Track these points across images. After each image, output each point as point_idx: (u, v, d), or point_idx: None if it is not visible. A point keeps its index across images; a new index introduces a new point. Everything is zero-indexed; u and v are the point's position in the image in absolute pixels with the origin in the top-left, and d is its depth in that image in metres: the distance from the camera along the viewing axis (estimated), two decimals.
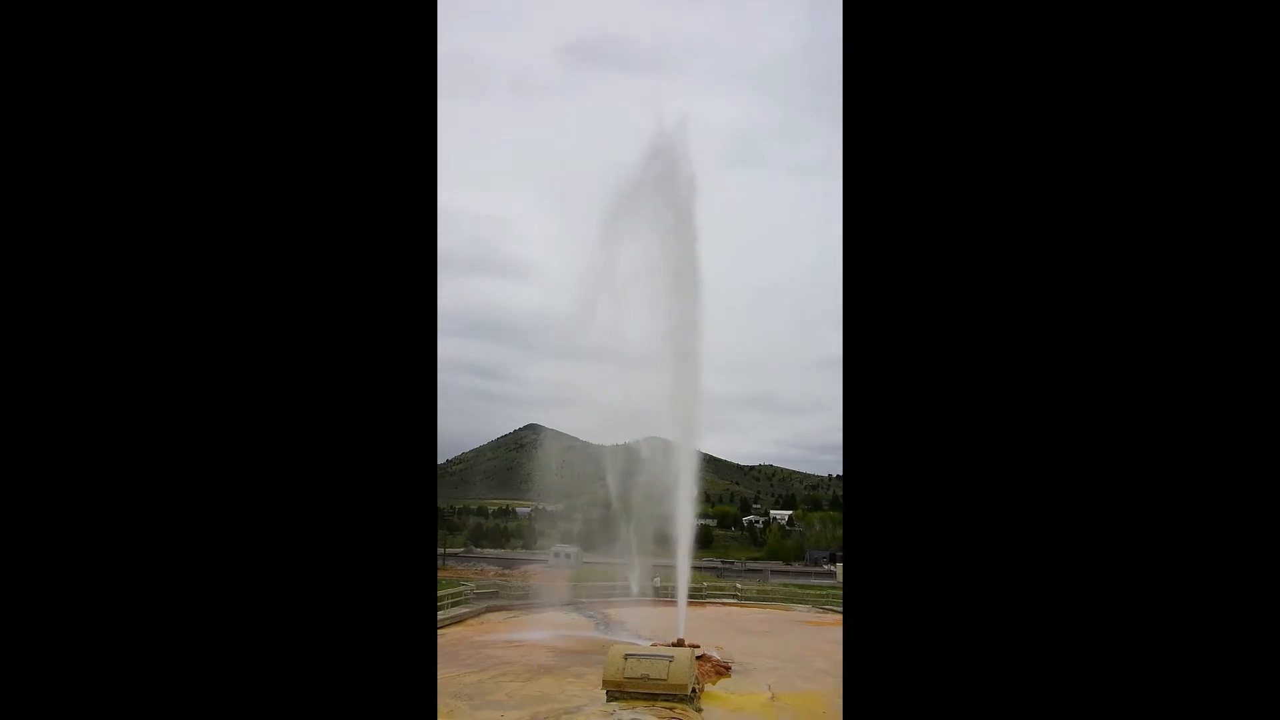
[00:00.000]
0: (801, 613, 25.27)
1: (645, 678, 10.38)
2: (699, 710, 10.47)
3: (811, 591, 31.21)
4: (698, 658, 12.75)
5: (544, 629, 19.34)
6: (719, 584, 33.19)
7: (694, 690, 10.86)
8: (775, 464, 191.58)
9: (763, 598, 28.76)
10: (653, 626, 18.96)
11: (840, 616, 23.74)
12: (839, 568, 53.35)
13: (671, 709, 9.72)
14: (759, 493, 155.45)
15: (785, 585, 36.41)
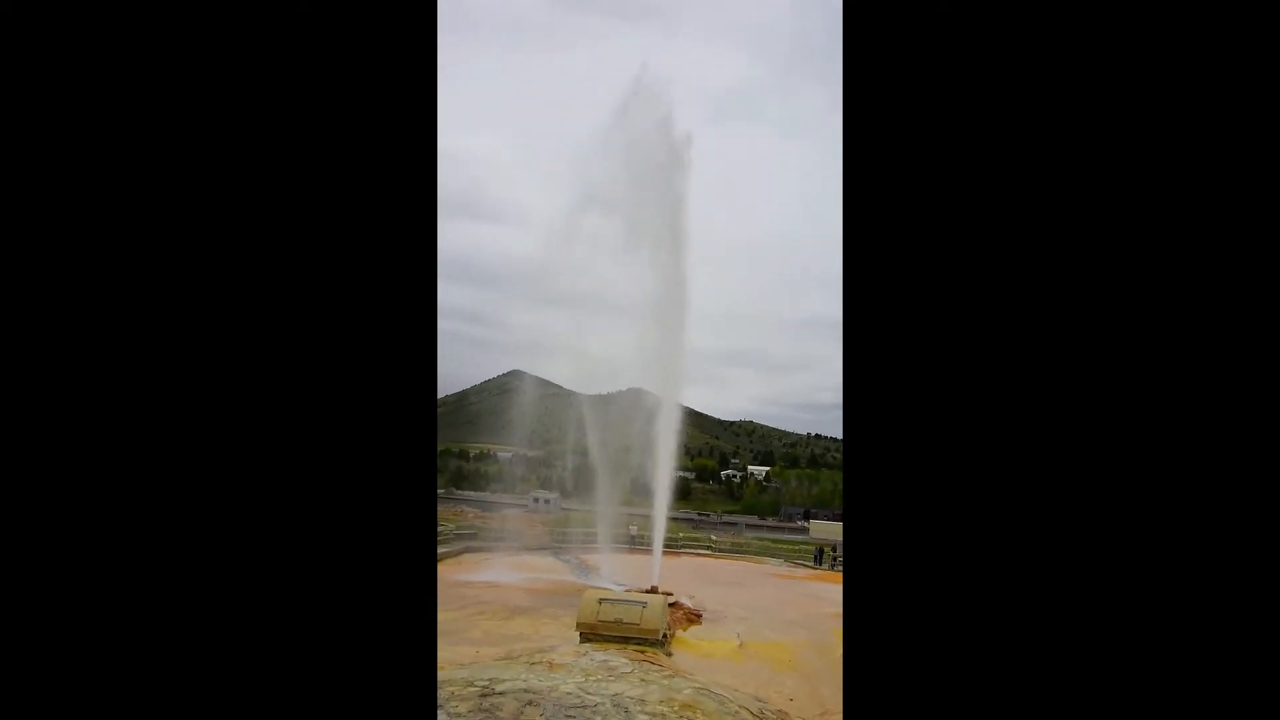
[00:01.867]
0: (774, 566, 25.80)
1: (618, 621, 10.63)
2: (669, 655, 10.77)
3: (784, 546, 31.79)
4: (670, 605, 13.04)
5: (521, 571, 19.65)
6: (694, 535, 33.72)
7: (665, 636, 11.14)
8: (755, 420, 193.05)
9: (736, 550, 29.30)
10: (628, 573, 19.32)
11: (809, 571, 24.34)
12: (812, 524, 54.22)
13: (643, 652, 9.98)
14: (738, 448, 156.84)
15: (759, 539, 37.06)
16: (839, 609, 16.63)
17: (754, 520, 67.70)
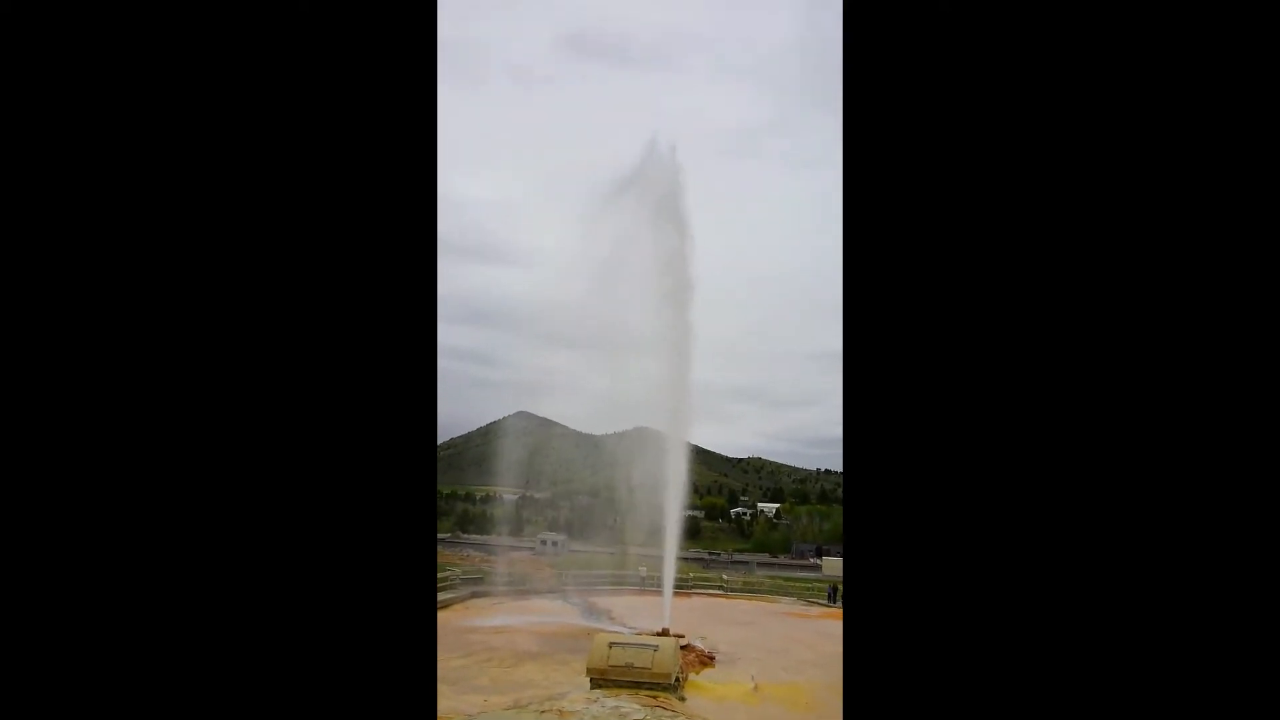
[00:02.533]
0: (787, 605, 25.41)
1: (629, 666, 10.42)
2: (682, 699, 10.52)
3: (797, 584, 31.38)
4: (682, 647, 12.80)
5: (529, 615, 19.37)
6: (705, 575, 33.33)
7: (678, 679, 10.90)
8: (764, 457, 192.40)
9: (748, 589, 28.92)
10: (638, 615, 19.03)
11: (823, 609, 23.94)
12: (825, 561, 53.49)
13: (655, 697, 9.75)
14: (747, 485, 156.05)
15: (771, 577, 36.62)
16: None
17: (765, 558, 67.02)
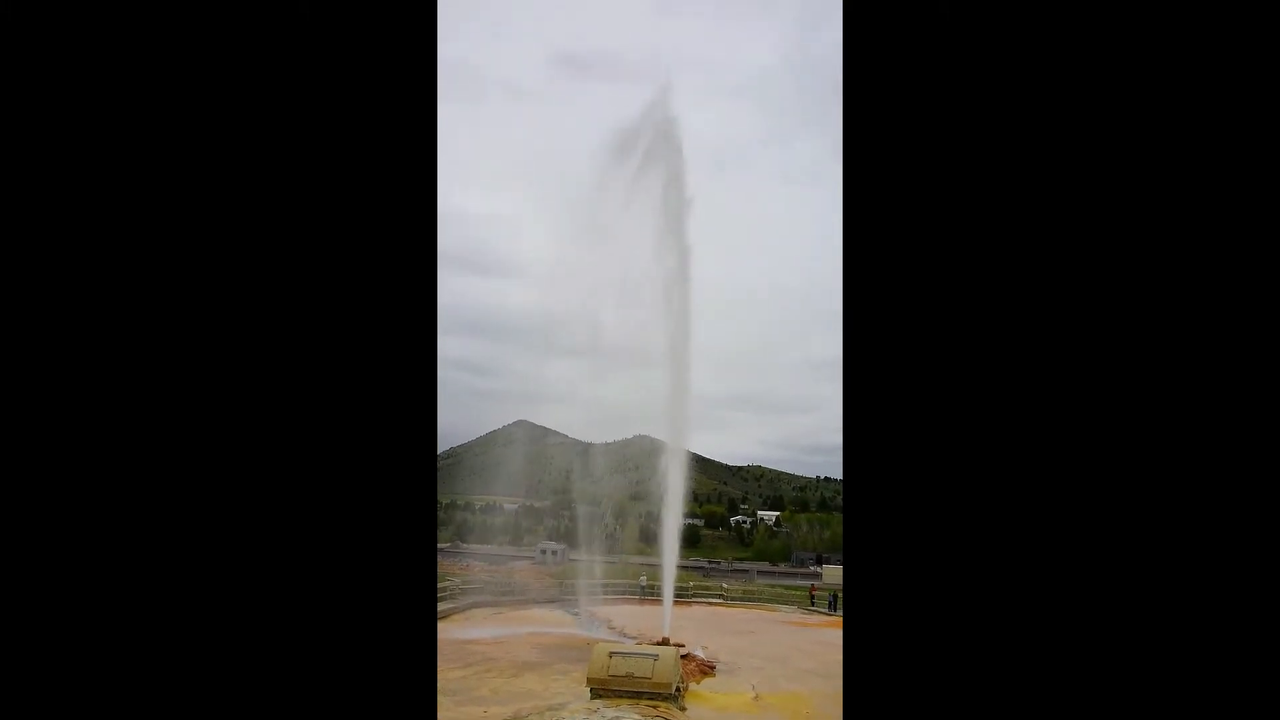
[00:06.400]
0: (787, 613, 25.34)
1: (630, 676, 10.38)
2: (683, 709, 10.48)
3: (797, 592, 31.31)
4: (682, 657, 12.77)
5: (529, 625, 19.32)
6: (705, 583, 33.24)
7: (678, 689, 10.87)
8: (763, 464, 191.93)
9: (748, 598, 28.84)
10: (638, 625, 18.98)
11: (824, 618, 23.88)
12: (825, 569, 53.24)
13: (656, 707, 9.72)
14: (747, 493, 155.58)
15: (771, 586, 36.53)
16: None
17: (765, 566, 66.73)
